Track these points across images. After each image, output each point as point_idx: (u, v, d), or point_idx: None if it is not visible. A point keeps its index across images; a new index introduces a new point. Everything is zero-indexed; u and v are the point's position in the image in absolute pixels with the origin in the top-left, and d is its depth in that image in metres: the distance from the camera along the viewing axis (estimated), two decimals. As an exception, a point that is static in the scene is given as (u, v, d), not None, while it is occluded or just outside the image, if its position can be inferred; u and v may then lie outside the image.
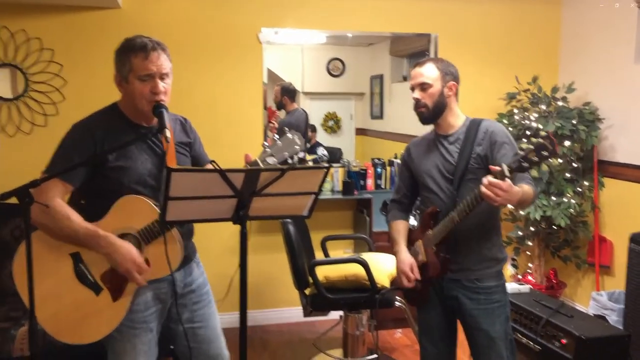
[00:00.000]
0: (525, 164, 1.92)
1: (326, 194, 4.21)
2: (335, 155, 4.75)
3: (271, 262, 4.18)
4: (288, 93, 4.73)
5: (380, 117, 5.25)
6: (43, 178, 1.76)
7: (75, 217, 1.88)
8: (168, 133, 1.86)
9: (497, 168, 1.96)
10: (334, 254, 4.08)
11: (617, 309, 3.58)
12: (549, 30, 4.57)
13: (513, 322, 2.99)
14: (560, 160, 3.93)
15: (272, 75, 4.60)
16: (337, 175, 4.30)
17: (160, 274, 1.96)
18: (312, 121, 4.97)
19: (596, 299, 3.75)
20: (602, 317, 3.61)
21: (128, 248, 1.89)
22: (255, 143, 4.13)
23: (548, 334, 2.76)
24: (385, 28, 4.35)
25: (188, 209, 1.74)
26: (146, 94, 1.93)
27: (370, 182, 4.38)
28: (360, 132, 5.29)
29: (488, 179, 1.94)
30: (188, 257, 2.16)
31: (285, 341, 3.99)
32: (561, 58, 4.60)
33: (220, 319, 4.27)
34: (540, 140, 1.89)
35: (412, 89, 2.31)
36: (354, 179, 4.25)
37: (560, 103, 4.14)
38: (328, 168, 1.80)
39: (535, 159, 1.90)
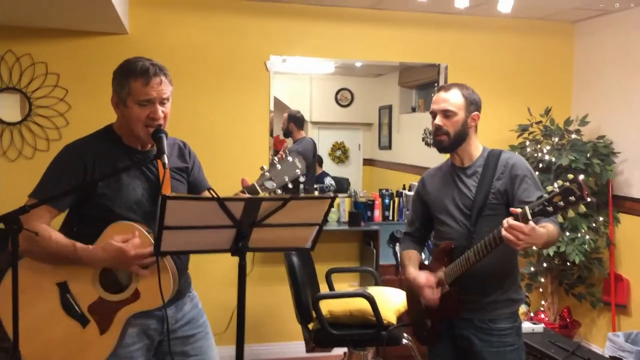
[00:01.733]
0: (550, 209, 1.78)
1: (332, 225, 4.10)
2: (342, 185, 4.67)
3: (274, 294, 4.05)
4: (295, 121, 4.69)
5: (389, 147, 5.19)
6: (32, 204, 1.67)
7: (56, 236, 1.80)
8: (166, 159, 1.77)
9: (518, 210, 1.83)
10: (339, 287, 3.95)
11: (635, 352, 3.41)
12: (561, 61, 4.50)
13: (527, 363, 2.84)
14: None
15: (280, 105, 4.56)
16: (344, 205, 4.20)
17: (152, 305, 1.84)
18: (320, 151, 4.91)
19: (612, 340, 3.59)
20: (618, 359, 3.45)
21: (108, 248, 1.77)
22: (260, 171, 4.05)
23: (564, 378, 2.61)
24: (394, 57, 4.30)
25: (184, 240, 1.65)
26: (144, 119, 1.85)
27: (377, 213, 4.27)
28: (368, 162, 5.22)
29: (508, 221, 1.82)
30: (181, 291, 2.05)
31: (287, 378, 3.84)
32: (574, 90, 4.52)
33: (220, 352, 4.14)
34: (567, 184, 1.76)
35: (434, 114, 2.18)
36: (361, 210, 4.15)
37: (573, 136, 4.04)
38: (333, 198, 1.70)
39: (561, 204, 1.76)
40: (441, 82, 4.40)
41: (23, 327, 1.71)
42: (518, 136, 4.21)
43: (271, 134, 4.09)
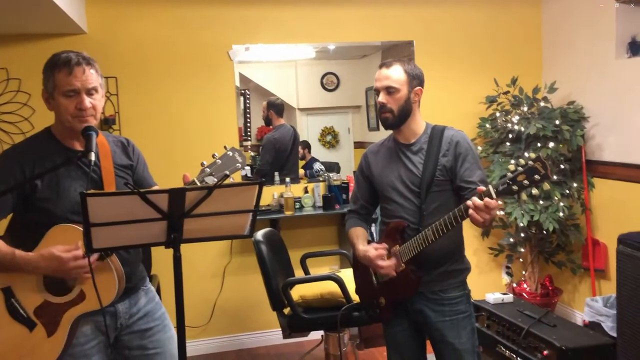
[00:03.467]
0: (515, 187, 1.80)
1: (307, 210, 4.11)
2: (333, 169, 4.68)
3: (256, 283, 4.06)
4: (274, 107, 4.68)
5: (377, 128, 5.17)
6: (-38, 210, 1.68)
7: None
8: (93, 157, 1.77)
9: (483, 188, 1.85)
10: (319, 271, 3.96)
11: (612, 315, 3.40)
12: (530, 29, 4.46)
13: (495, 334, 2.86)
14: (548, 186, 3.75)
15: (263, 92, 4.54)
16: (319, 190, 4.20)
17: (98, 305, 1.85)
18: (309, 137, 4.91)
19: (590, 305, 3.58)
20: (597, 324, 3.45)
21: (48, 255, 1.77)
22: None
23: (530, 346, 2.62)
24: (358, 38, 4.27)
25: (116, 235, 1.65)
26: (72, 110, 1.85)
27: (352, 196, 4.26)
28: (359, 145, 5.21)
29: (484, 200, 1.82)
30: (135, 286, 2.06)
31: (271, 364, 3.88)
32: (544, 58, 4.48)
33: (204, 344, 4.18)
34: (531, 162, 1.78)
35: (377, 91, 2.20)
36: (335, 193, 4.15)
37: (542, 104, 4.02)
38: (260, 183, 1.70)
39: (526, 182, 1.79)
40: (415, 60, 4.38)
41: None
42: (487, 108, 4.19)
43: (243, 123, 4.07)
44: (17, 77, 3.68)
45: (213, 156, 1.96)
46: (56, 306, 1.86)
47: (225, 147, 1.97)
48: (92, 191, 1.59)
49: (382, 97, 2.18)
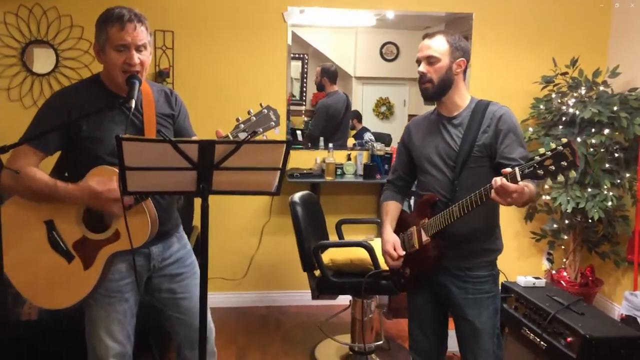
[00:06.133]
0: (540, 172, 1.75)
1: (348, 177, 4.13)
2: (384, 140, 4.66)
3: (292, 244, 4.14)
4: (328, 74, 4.66)
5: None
6: (12, 144, 1.80)
7: (40, 175, 1.93)
8: (133, 104, 1.85)
9: (509, 170, 1.81)
10: (355, 238, 3.99)
11: (650, 311, 3.31)
12: (598, 9, 4.24)
13: (522, 316, 2.83)
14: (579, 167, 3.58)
15: (321, 57, 4.53)
16: (361, 158, 4.21)
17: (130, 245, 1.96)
18: (364, 106, 4.90)
19: (628, 299, 3.49)
20: (633, 319, 3.36)
21: (85, 186, 1.89)
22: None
23: (555, 331, 2.59)
24: (417, 7, 4.19)
25: (149, 180, 1.73)
26: (121, 64, 1.94)
27: (395, 167, 4.24)
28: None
29: (498, 182, 1.79)
30: (168, 231, 2.16)
31: (299, 323, 3.98)
32: (611, 40, 4.26)
33: (238, 297, 4.33)
34: (560, 147, 1.72)
35: (418, 62, 2.18)
36: (377, 163, 4.15)
37: (602, 88, 3.85)
38: (288, 142, 1.74)
39: (552, 168, 1.73)
40: (473, 33, 4.29)
41: (13, 260, 1.89)
42: (542, 88, 4.05)
43: (288, 87, 4.10)
44: (80, 24, 3.82)
45: (248, 112, 2.00)
46: (93, 242, 1.98)
47: (260, 105, 2.00)
48: (127, 136, 1.66)
49: (422, 67, 2.16)
